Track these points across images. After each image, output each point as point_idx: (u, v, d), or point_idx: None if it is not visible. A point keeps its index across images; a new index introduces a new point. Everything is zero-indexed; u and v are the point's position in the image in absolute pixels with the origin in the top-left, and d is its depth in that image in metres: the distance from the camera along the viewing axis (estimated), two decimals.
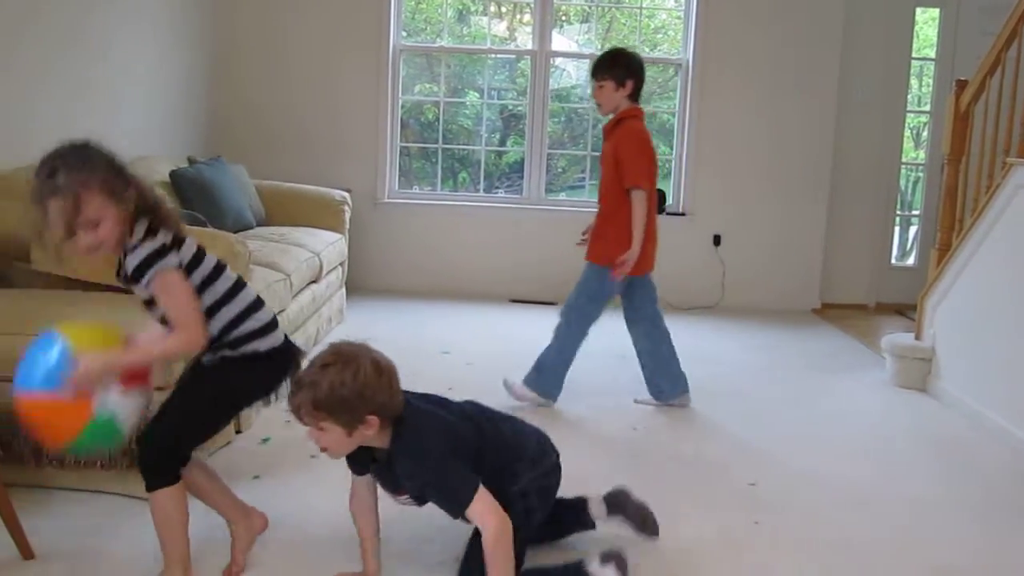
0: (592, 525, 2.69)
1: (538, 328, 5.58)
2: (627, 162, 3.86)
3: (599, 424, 3.88)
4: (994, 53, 4.46)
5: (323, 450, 2.19)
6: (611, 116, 3.98)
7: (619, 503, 2.71)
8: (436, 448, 2.21)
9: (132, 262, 2.14)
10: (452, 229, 6.58)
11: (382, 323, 5.46)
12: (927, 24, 6.90)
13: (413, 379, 4.29)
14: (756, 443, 3.74)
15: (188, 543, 2.31)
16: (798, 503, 3.13)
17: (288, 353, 2.40)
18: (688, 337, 5.53)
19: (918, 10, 6.68)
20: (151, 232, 2.16)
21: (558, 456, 2.57)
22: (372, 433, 2.16)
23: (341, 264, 5.48)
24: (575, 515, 2.69)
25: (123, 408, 2.15)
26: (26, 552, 2.50)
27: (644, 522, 2.72)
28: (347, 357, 2.14)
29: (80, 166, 2.05)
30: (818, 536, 2.87)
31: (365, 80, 6.44)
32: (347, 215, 5.73)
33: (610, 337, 4.30)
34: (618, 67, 3.91)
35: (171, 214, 2.23)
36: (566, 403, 4.09)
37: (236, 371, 2.33)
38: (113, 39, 4.83)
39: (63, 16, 4.29)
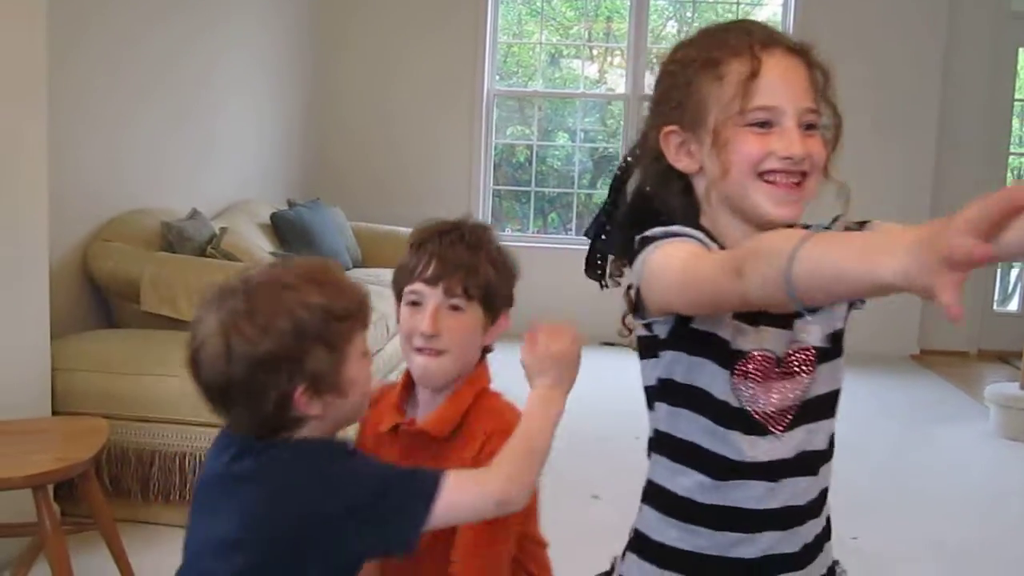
0: None
1: (628, 372, 5.55)
2: None
3: None
4: None
5: None
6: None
7: None
8: None
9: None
10: (542, 270, 6.56)
11: None
12: None
13: None
14: (857, 495, 3.63)
15: None
16: (903, 561, 3.04)
17: None
18: None
19: (1021, 50, 6.52)
20: None
21: None
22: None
23: None
24: None
25: None
26: None
27: None
28: None
29: None
30: None
31: (459, 124, 6.53)
32: None
33: None
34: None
35: None
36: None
37: None
38: (215, 81, 4.92)
39: (160, 60, 4.37)
